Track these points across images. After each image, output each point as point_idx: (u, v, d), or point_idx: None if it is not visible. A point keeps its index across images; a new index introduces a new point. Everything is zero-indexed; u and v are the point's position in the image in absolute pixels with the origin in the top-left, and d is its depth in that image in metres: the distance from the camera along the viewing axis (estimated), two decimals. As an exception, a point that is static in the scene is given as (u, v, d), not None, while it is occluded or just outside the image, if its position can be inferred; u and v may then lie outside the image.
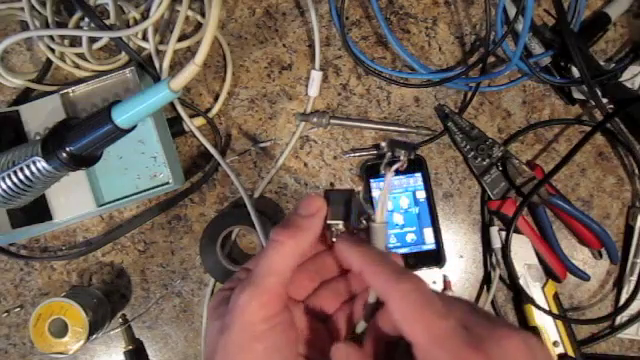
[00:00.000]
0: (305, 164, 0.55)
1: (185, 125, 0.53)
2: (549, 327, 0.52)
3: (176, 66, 0.55)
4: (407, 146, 0.29)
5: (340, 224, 0.29)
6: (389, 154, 0.29)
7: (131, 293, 0.55)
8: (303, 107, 0.55)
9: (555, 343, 0.51)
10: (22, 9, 0.53)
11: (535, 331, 0.52)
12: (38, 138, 0.45)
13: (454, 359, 0.21)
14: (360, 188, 0.29)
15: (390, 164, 0.28)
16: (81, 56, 0.53)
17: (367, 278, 0.25)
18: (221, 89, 0.55)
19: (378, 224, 0.27)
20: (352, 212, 0.29)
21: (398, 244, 0.53)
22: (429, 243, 0.53)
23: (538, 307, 0.51)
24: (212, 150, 0.52)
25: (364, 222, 0.28)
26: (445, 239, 0.53)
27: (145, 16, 0.54)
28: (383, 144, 0.30)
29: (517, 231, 0.52)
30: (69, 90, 0.51)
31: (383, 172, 0.28)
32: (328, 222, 0.29)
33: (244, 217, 0.52)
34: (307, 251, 0.29)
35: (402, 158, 0.28)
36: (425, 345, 0.22)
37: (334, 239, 0.29)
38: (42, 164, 0.42)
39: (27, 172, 0.42)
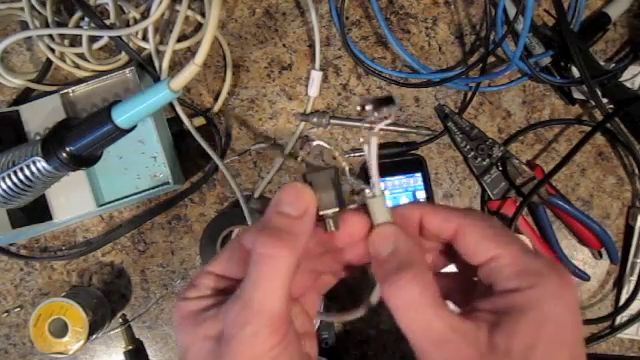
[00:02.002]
0: (305, 164, 0.55)
1: (185, 125, 0.53)
2: (549, 327, 0.51)
3: (176, 66, 0.55)
4: (388, 101, 0.24)
5: (334, 211, 0.25)
6: (369, 108, 0.24)
7: (131, 293, 0.55)
8: (303, 107, 0.55)
9: (555, 343, 0.51)
10: (22, 9, 0.53)
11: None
12: (38, 138, 0.45)
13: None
14: (344, 164, 0.26)
15: (374, 123, 0.24)
16: (81, 56, 0.53)
17: (472, 235, 0.25)
18: (221, 89, 0.55)
19: (378, 197, 0.25)
20: (342, 193, 0.25)
21: (398, 244, 0.52)
22: (429, 243, 0.53)
23: (538, 307, 0.51)
24: (209, 151, 0.52)
25: (356, 199, 0.25)
26: (445, 239, 0.53)
27: (145, 16, 0.54)
28: (358, 99, 0.26)
29: (517, 231, 0.52)
30: (69, 90, 0.51)
31: (365, 130, 0.24)
32: (321, 213, 0.25)
33: (244, 217, 0.52)
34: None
35: (386, 112, 0.24)
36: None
37: (333, 229, 0.25)
38: (42, 164, 0.42)
39: (27, 172, 0.42)
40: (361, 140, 0.25)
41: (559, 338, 0.22)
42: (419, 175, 0.54)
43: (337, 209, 0.25)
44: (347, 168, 0.26)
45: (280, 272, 0.23)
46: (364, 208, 0.25)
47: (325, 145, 0.27)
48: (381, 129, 0.24)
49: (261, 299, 0.22)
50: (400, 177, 0.53)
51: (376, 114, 0.24)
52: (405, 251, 0.24)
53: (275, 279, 0.23)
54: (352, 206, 0.26)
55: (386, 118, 0.24)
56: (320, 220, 0.25)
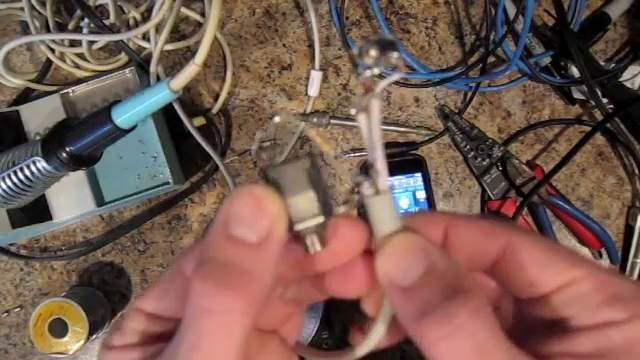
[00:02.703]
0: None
1: (184, 125, 0.53)
2: (549, 327, 0.51)
3: (176, 66, 0.55)
4: (391, 46, 0.16)
5: (317, 221, 0.17)
6: (374, 53, 0.16)
7: (131, 293, 0.55)
8: (303, 107, 0.55)
9: (555, 343, 0.51)
10: (22, 9, 0.53)
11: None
12: (38, 138, 0.45)
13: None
14: (327, 147, 0.18)
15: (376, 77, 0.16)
16: (81, 56, 0.53)
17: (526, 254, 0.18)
18: (221, 89, 0.55)
19: (383, 194, 0.17)
20: (327, 191, 0.17)
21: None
22: (429, 243, 0.53)
23: (538, 307, 0.51)
24: (209, 151, 0.52)
25: (354, 196, 0.17)
26: (445, 239, 0.53)
27: (145, 16, 0.54)
28: (354, 52, 0.17)
29: (517, 231, 0.52)
30: (69, 90, 0.51)
31: (364, 92, 0.16)
32: (295, 229, 0.17)
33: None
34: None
35: (395, 57, 0.16)
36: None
37: (318, 248, 0.17)
38: (42, 164, 0.42)
39: (27, 172, 0.42)
40: (353, 111, 0.16)
41: None
42: (419, 175, 0.54)
43: (322, 218, 0.17)
44: (332, 152, 0.19)
45: (231, 334, 0.15)
46: (359, 213, 0.18)
47: (292, 118, 0.20)
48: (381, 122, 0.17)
49: None
50: (400, 177, 0.53)
51: (385, 60, 0.16)
52: (448, 271, 0.17)
53: (224, 344, 0.15)
54: (341, 209, 0.18)
55: (395, 68, 0.16)
56: (295, 236, 0.17)
